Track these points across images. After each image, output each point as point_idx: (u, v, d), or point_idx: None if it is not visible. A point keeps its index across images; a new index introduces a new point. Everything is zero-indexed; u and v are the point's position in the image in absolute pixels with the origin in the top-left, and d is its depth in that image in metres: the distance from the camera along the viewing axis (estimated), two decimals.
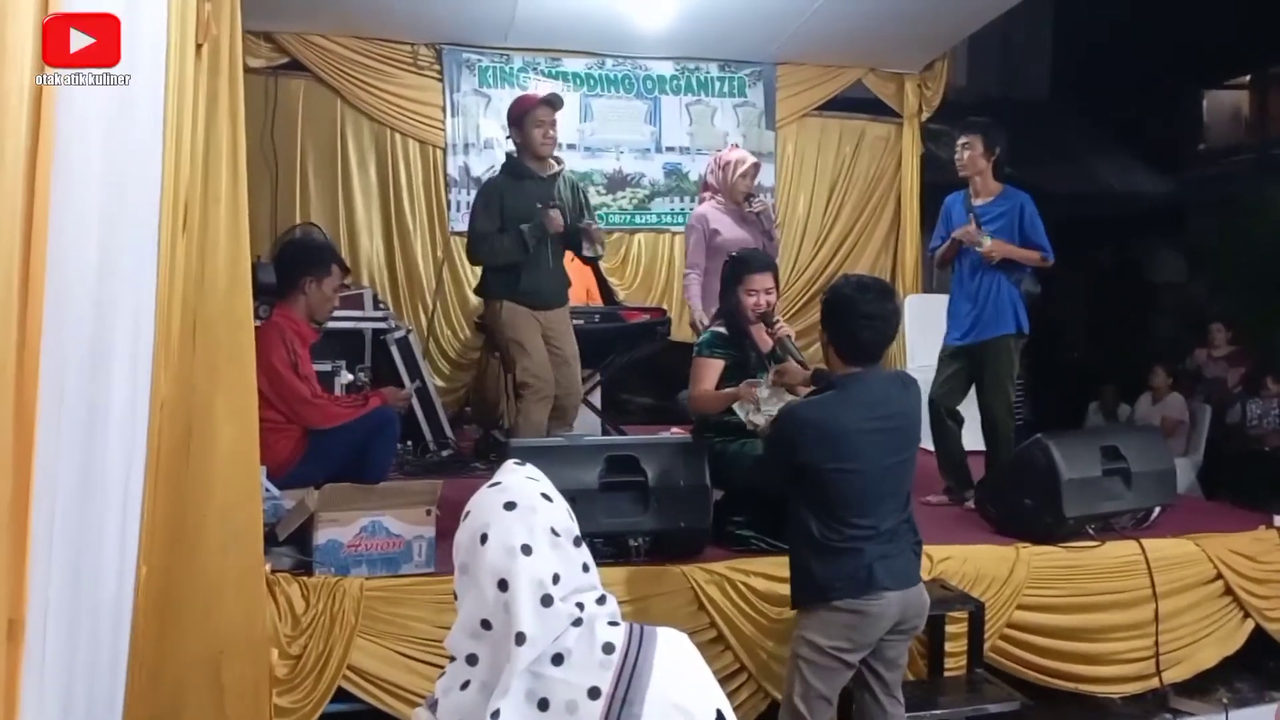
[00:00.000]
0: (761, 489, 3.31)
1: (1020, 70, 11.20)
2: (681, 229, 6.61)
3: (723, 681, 3.26)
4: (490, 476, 1.40)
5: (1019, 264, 4.34)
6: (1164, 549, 3.74)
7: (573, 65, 6.42)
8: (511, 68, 6.32)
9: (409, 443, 5.26)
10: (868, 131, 7.01)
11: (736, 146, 5.50)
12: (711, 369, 3.61)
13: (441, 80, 6.22)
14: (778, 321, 3.60)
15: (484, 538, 1.32)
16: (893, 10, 5.81)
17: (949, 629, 3.37)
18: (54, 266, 1.51)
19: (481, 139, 6.29)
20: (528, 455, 3.09)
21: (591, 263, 4.54)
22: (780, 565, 3.14)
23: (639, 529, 3.34)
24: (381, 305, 5.66)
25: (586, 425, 5.41)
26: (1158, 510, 4.02)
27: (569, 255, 4.53)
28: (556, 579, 1.30)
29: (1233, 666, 3.80)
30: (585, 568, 1.34)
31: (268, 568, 2.96)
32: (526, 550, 1.29)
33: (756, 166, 4.72)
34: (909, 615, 2.67)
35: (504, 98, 6.23)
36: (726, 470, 3.47)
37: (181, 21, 2.26)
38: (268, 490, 3.31)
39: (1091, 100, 10.82)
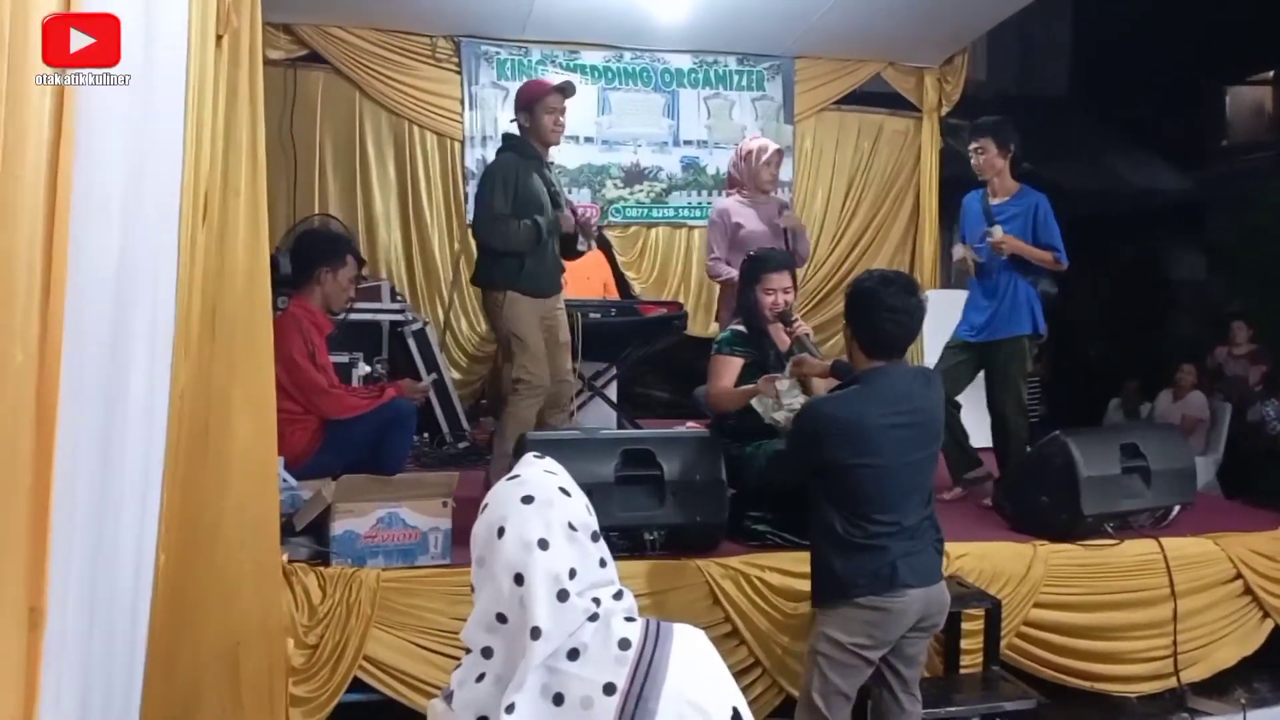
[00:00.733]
0: (782, 485, 3.30)
1: (1039, 66, 11.13)
2: (700, 222, 6.63)
3: (738, 677, 3.23)
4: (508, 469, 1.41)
5: (1035, 265, 4.30)
6: (1183, 548, 3.71)
7: (591, 58, 6.41)
8: (529, 60, 6.32)
9: (425, 435, 5.28)
10: (886, 126, 6.98)
11: (757, 136, 5.47)
12: (730, 367, 3.60)
13: (460, 72, 6.23)
14: (796, 320, 3.60)
15: (501, 531, 1.32)
16: (912, 4, 5.78)
17: (965, 626, 3.35)
18: (75, 259, 1.51)
19: (499, 131, 6.26)
20: (544, 448, 3.11)
21: (577, 256, 4.44)
22: (796, 560, 3.13)
23: (655, 523, 3.33)
24: (399, 297, 5.68)
25: (602, 419, 5.42)
26: (1177, 509, 3.99)
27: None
28: (573, 574, 1.29)
29: (1251, 667, 3.77)
30: (602, 563, 1.33)
31: (285, 558, 2.98)
32: (543, 545, 1.29)
33: (779, 154, 4.68)
34: (930, 613, 2.66)
35: None
36: (743, 473, 3.46)
37: (202, 14, 2.26)
38: (285, 481, 3.33)
39: (1111, 96, 10.74)
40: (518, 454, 3.47)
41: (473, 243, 6.20)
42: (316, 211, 5.87)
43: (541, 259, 4.11)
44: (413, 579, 3.11)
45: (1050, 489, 3.73)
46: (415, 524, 3.18)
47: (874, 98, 6.96)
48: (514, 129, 4.24)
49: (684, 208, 6.65)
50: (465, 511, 3.19)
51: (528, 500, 1.32)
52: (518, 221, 3.99)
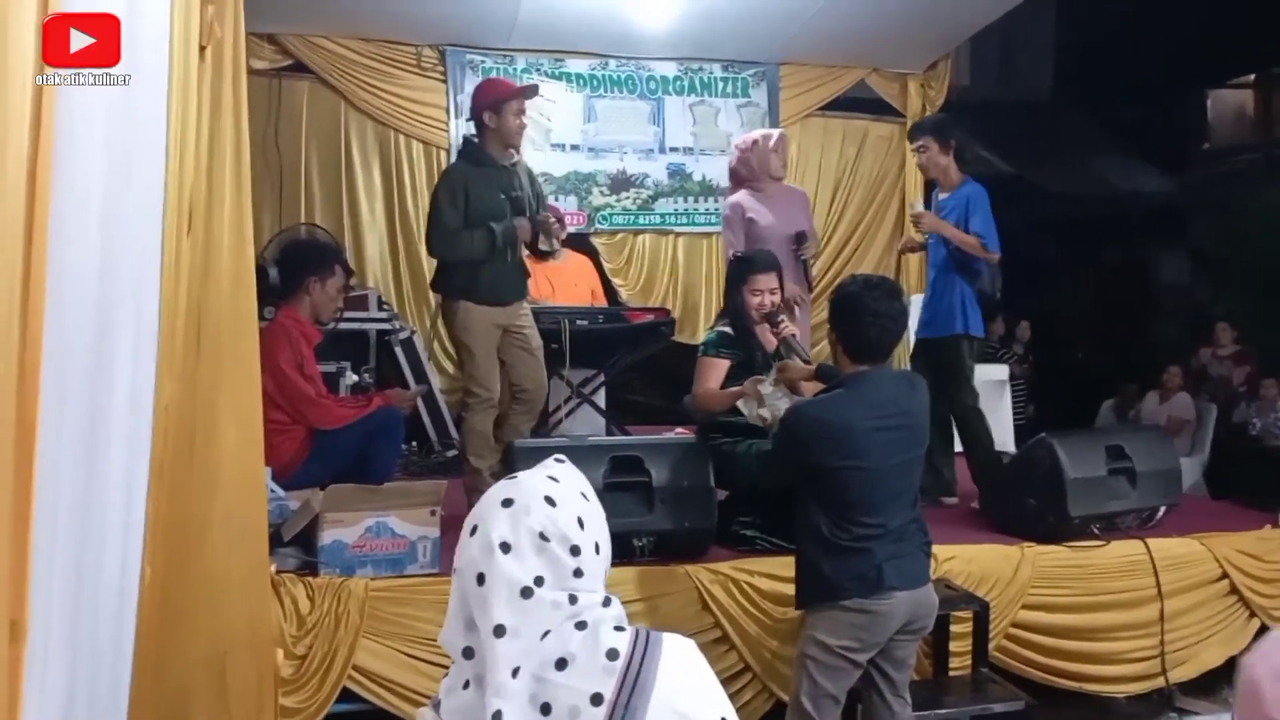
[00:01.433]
0: (768, 488, 3.31)
1: (1023, 70, 11.21)
2: (686, 229, 6.66)
3: (728, 682, 3.27)
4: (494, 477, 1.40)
5: (975, 264, 4.32)
6: (1169, 548, 3.73)
7: (576, 66, 6.43)
8: (515, 69, 6.33)
9: (413, 444, 5.27)
10: (871, 131, 7.01)
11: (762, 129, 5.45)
12: (716, 368, 3.61)
13: (445, 81, 6.23)
14: (782, 321, 3.60)
15: (474, 530, 1.32)
16: (896, 10, 5.81)
17: (954, 629, 3.36)
18: (55, 267, 1.51)
19: None
20: (531, 456, 3.11)
21: (545, 257, 4.40)
22: (785, 565, 3.14)
23: (644, 529, 3.33)
24: (386, 306, 5.68)
25: (591, 426, 5.42)
26: (1163, 510, 4.01)
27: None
28: (540, 581, 1.28)
29: (1238, 666, 3.78)
30: (578, 573, 1.30)
31: (273, 568, 2.97)
32: (505, 548, 1.28)
33: (784, 138, 4.70)
34: (918, 615, 2.67)
35: None
36: (732, 471, 3.47)
37: (185, 24, 2.26)
38: (273, 491, 3.31)
39: (1095, 100, 10.82)
40: (506, 462, 3.47)
41: None
42: (303, 221, 5.85)
43: (500, 266, 4.04)
44: (401, 588, 3.10)
45: (1037, 491, 3.75)
46: (404, 533, 3.17)
47: (859, 104, 6.99)
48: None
49: (670, 214, 6.66)
50: (453, 520, 3.19)
51: (507, 504, 1.31)
52: (469, 231, 3.94)
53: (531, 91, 4.20)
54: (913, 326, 4.49)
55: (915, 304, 6.09)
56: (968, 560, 3.53)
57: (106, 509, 1.90)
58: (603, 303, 6.04)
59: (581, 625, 1.28)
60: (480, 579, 1.28)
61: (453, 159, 6.20)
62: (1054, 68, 11.45)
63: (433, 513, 3.19)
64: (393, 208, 6.27)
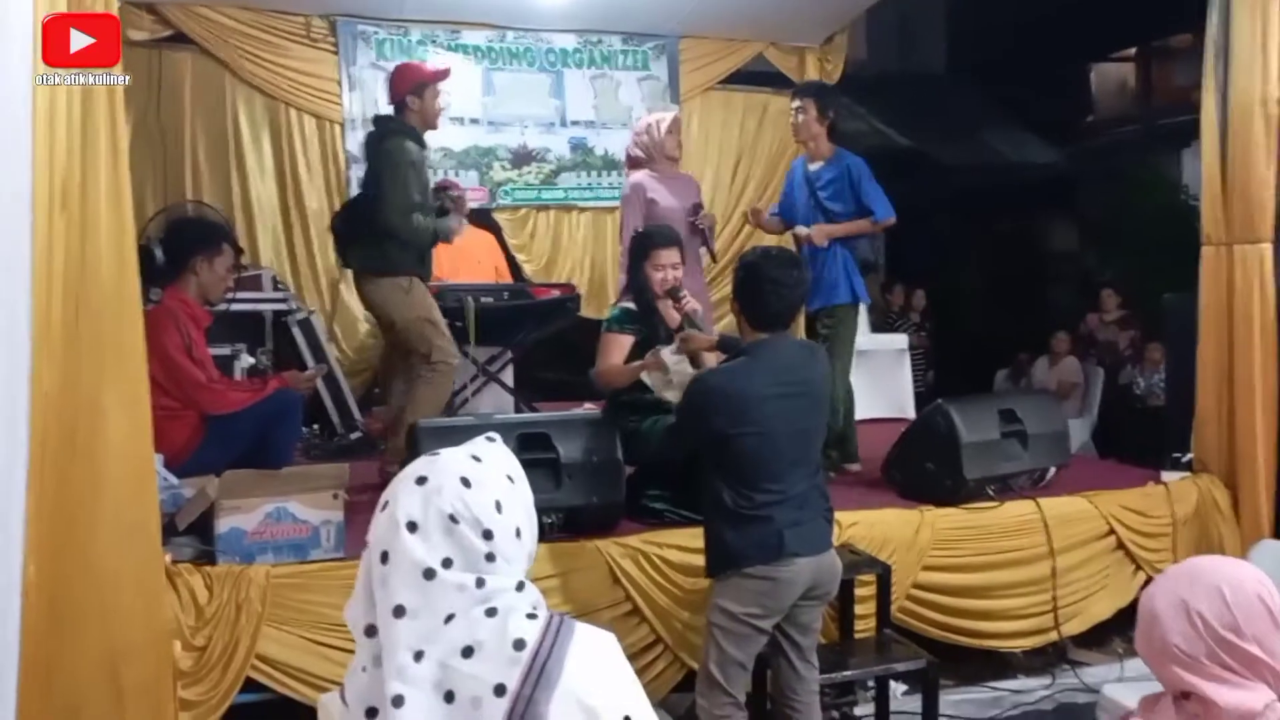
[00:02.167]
0: (673, 459, 3.32)
1: (918, 45, 11.44)
2: (590, 204, 6.62)
3: (640, 654, 3.29)
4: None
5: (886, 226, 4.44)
6: (1059, 507, 3.88)
7: (472, 38, 6.29)
8: (409, 40, 6.17)
9: (315, 426, 5.14)
10: (771, 105, 7.04)
11: (646, 113, 5.46)
12: (619, 344, 3.61)
13: (337, 53, 6.03)
14: (684, 296, 3.61)
15: (385, 505, 1.29)
16: None
17: (858, 592, 3.44)
18: None
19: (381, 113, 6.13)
20: (438, 435, 3.07)
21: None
22: (694, 536, 3.16)
23: (552, 505, 3.32)
24: (281, 286, 5.51)
25: (499, 403, 5.37)
26: (1053, 470, 4.17)
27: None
28: (448, 563, 1.25)
29: (1126, 617, 3.95)
30: (490, 557, 1.26)
31: (168, 559, 2.87)
32: (411, 527, 1.24)
33: (678, 121, 4.72)
34: (821, 581, 2.72)
35: None
36: (639, 448, 3.48)
37: None
38: (165, 479, 3.20)
39: (986, 74, 11.11)
40: (410, 443, 3.41)
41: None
42: (189, 199, 5.63)
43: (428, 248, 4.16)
44: (305, 574, 3.03)
45: (935, 456, 3.86)
46: (306, 518, 3.10)
47: (758, 77, 7.03)
48: (390, 111, 4.17)
49: (573, 189, 6.60)
50: (357, 504, 3.13)
51: (420, 481, 1.27)
52: (423, 219, 3.98)
53: (444, 74, 4.25)
54: None
55: None
56: (870, 525, 3.61)
57: None
58: (507, 279, 5.98)
59: (491, 612, 1.25)
60: (384, 557, 1.25)
61: (347, 133, 6.07)
62: (947, 42, 11.71)
63: (336, 496, 3.12)
64: (285, 184, 6.05)
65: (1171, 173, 9.36)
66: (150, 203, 5.31)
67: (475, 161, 6.36)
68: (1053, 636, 3.83)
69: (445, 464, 1.30)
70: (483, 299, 4.87)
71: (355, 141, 6.08)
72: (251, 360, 4.70)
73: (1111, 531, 3.92)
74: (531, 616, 1.27)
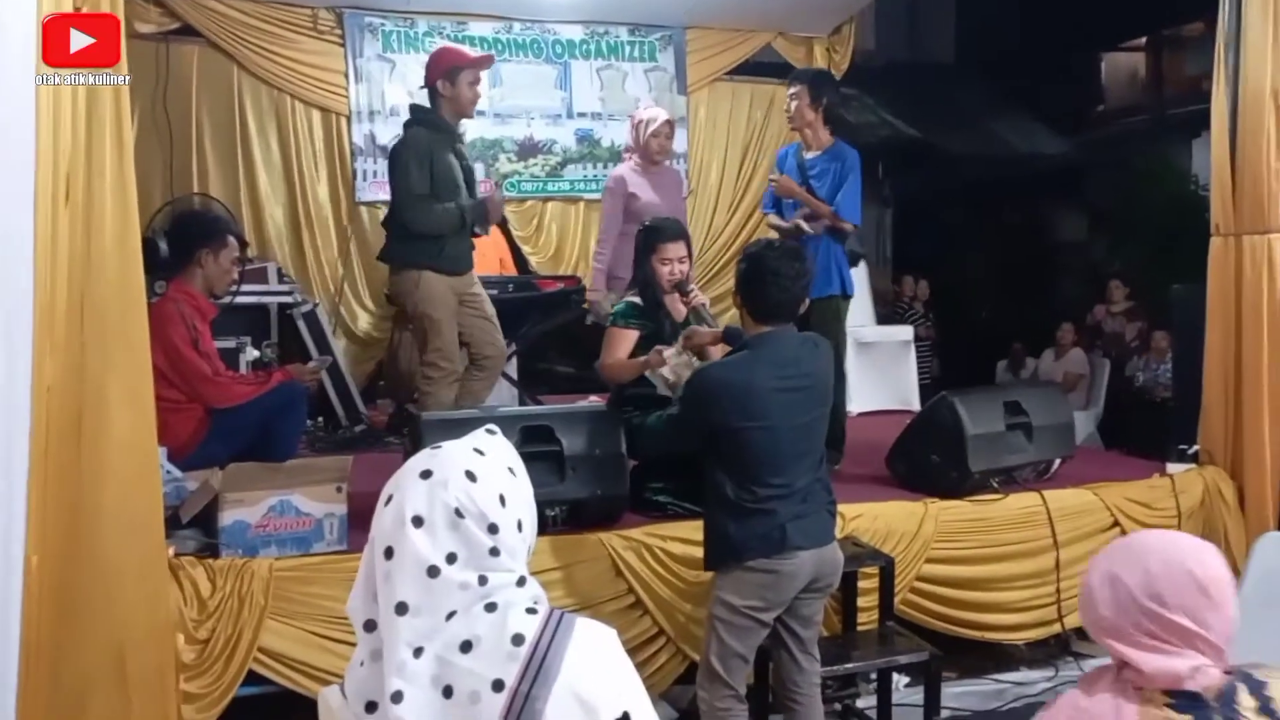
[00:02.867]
0: (676, 451, 3.31)
1: (926, 35, 11.36)
2: (596, 196, 6.58)
3: (642, 646, 3.30)
4: (403, 452, 1.36)
5: (843, 227, 4.39)
6: (1064, 499, 3.86)
7: (479, 29, 6.29)
8: (416, 32, 6.17)
9: (320, 419, 5.16)
10: (778, 96, 6.96)
11: (651, 105, 5.44)
12: (625, 339, 3.59)
13: (343, 45, 6.04)
14: (692, 290, 3.60)
15: (389, 500, 1.29)
16: None
17: (861, 585, 3.44)
18: None
19: (387, 106, 6.13)
20: (442, 428, 3.07)
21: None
22: (696, 529, 3.15)
23: (556, 498, 3.32)
24: (287, 279, 5.51)
25: (503, 396, 5.37)
26: (1058, 462, 4.16)
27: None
28: (452, 558, 1.25)
29: None
30: (494, 552, 1.27)
31: (171, 551, 2.88)
32: (417, 522, 1.25)
33: (670, 125, 4.68)
34: (823, 574, 2.72)
35: (409, 63, 6.11)
36: (643, 442, 3.47)
37: None
38: (169, 472, 3.22)
39: (995, 63, 11.04)
40: (412, 436, 3.41)
41: (363, 220, 6.13)
42: (195, 191, 5.64)
43: (458, 237, 4.07)
44: (308, 567, 3.04)
45: (939, 448, 3.85)
46: (309, 511, 3.10)
47: (765, 68, 7.01)
48: (423, 99, 4.12)
49: (579, 181, 6.60)
50: (361, 496, 3.14)
51: (425, 475, 1.27)
52: (441, 204, 3.90)
53: (487, 62, 4.18)
54: None
55: None
56: (874, 518, 3.60)
57: None
58: (512, 271, 5.99)
59: (491, 607, 1.25)
60: (389, 553, 1.25)
61: (353, 125, 6.08)
62: (956, 32, 11.64)
63: (339, 489, 3.13)
64: (291, 176, 6.07)
65: (1181, 163, 9.30)
66: (157, 195, 5.32)
67: (481, 153, 6.35)
68: (1056, 629, 3.82)
69: (449, 458, 1.30)
70: (488, 291, 4.87)
71: (361, 134, 6.10)
72: (256, 353, 4.71)
73: (1116, 524, 3.90)
74: (531, 611, 1.28)
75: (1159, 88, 11.32)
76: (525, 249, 6.48)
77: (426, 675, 1.22)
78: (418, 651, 1.23)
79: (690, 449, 2.88)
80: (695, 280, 3.72)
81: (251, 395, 3.69)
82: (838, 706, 3.44)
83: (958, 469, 3.79)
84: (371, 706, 1.27)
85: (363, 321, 6.19)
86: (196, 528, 3.11)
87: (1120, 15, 10.37)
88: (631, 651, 3.21)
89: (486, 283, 5.00)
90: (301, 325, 5.15)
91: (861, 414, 5.54)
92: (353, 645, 1.34)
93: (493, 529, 1.27)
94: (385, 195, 6.14)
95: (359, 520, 3.09)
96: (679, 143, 6.68)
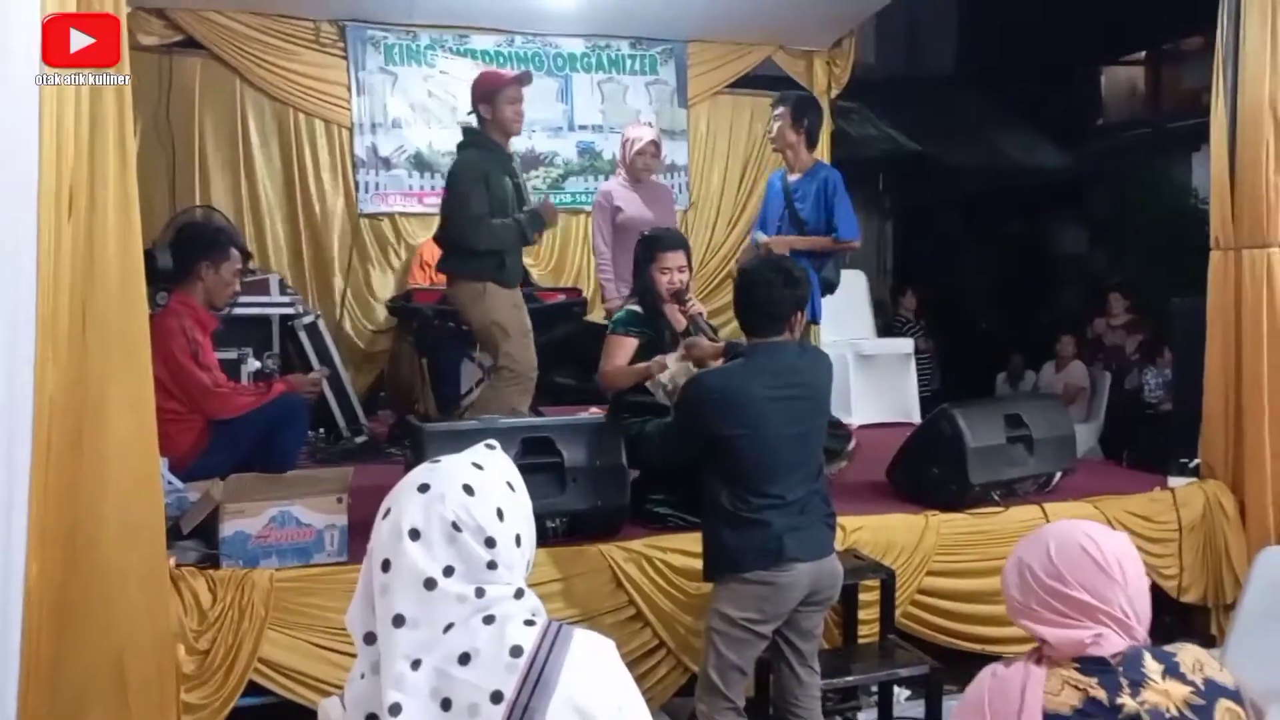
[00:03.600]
0: (670, 461, 3.30)
1: (927, 48, 11.41)
2: None
3: (642, 659, 3.29)
4: (404, 463, 1.36)
5: (823, 253, 4.40)
6: (1064, 512, 3.84)
7: (481, 43, 6.32)
8: (418, 45, 6.20)
9: (321, 430, 5.16)
10: None
11: (647, 123, 5.48)
12: (624, 347, 3.61)
13: (346, 58, 6.06)
14: (690, 300, 3.62)
15: (387, 513, 1.29)
16: None
17: (862, 597, 3.44)
18: None
19: (389, 118, 6.17)
20: (444, 439, 3.07)
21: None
22: (697, 541, 3.14)
23: (556, 510, 3.32)
24: (289, 290, 5.52)
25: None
26: (1059, 475, 4.16)
27: None
28: (449, 571, 1.25)
29: None
30: (492, 565, 1.27)
31: (172, 562, 2.88)
32: (414, 535, 1.25)
33: (655, 145, 4.73)
34: (821, 586, 2.72)
35: (411, 76, 6.15)
36: (641, 450, 3.47)
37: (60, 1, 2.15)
38: (170, 483, 3.22)
39: (995, 76, 11.08)
40: (414, 447, 3.41)
41: (365, 232, 6.15)
42: (198, 204, 5.65)
43: (516, 252, 4.18)
44: (309, 578, 3.04)
45: (940, 461, 3.84)
46: (310, 522, 3.10)
47: (766, 81, 7.02)
48: (409, 119, 4.19)
49: (581, 193, 6.61)
50: (362, 507, 3.14)
51: (423, 489, 1.28)
52: (500, 221, 4.00)
53: (525, 79, 4.26)
54: (827, 306, 4.57)
55: None
56: (875, 530, 3.60)
57: None
58: None
59: (489, 620, 1.26)
60: (386, 565, 1.26)
61: (356, 137, 6.10)
62: (956, 45, 11.68)
63: (339, 500, 3.13)
64: (294, 188, 6.10)
65: (1181, 176, 9.32)
66: (160, 206, 5.35)
67: None
68: None
69: (447, 471, 1.31)
70: None
71: (363, 146, 6.13)
72: (258, 364, 4.71)
73: None
74: (529, 623, 1.28)
75: (1158, 101, 11.34)
76: (526, 261, 6.42)
77: (425, 687, 1.23)
78: (415, 664, 1.23)
79: (686, 457, 2.88)
80: (694, 291, 3.74)
81: (252, 406, 3.70)
82: (838, 719, 3.43)
83: (958, 482, 3.79)
84: (371, 719, 1.28)
85: (364, 333, 6.20)
86: (197, 538, 3.11)
87: (1120, 29, 10.41)
88: (632, 663, 3.23)
89: None
90: (303, 336, 5.16)
91: (862, 426, 5.53)
92: (353, 656, 1.34)
93: (490, 543, 1.27)
94: (386, 207, 6.26)
95: (359, 531, 3.09)
96: (679, 155, 6.72)
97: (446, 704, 1.22)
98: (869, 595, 3.44)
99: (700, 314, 3.61)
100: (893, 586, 3.40)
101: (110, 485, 2.56)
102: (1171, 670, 1.51)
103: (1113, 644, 1.52)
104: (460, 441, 1.40)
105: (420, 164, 6.25)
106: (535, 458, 3.31)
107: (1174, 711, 1.48)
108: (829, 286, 4.56)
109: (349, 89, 6.08)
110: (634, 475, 3.53)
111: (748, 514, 2.63)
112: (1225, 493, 4.12)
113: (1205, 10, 4.23)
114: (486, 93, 4.11)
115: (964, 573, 3.70)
